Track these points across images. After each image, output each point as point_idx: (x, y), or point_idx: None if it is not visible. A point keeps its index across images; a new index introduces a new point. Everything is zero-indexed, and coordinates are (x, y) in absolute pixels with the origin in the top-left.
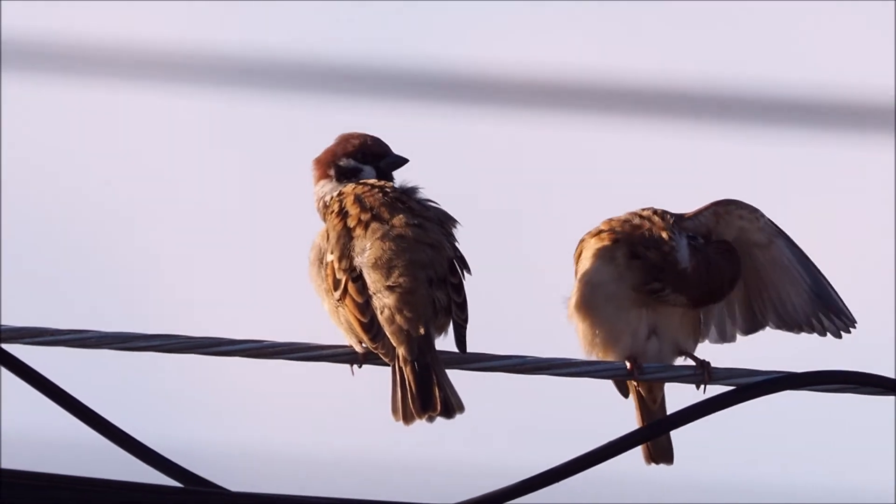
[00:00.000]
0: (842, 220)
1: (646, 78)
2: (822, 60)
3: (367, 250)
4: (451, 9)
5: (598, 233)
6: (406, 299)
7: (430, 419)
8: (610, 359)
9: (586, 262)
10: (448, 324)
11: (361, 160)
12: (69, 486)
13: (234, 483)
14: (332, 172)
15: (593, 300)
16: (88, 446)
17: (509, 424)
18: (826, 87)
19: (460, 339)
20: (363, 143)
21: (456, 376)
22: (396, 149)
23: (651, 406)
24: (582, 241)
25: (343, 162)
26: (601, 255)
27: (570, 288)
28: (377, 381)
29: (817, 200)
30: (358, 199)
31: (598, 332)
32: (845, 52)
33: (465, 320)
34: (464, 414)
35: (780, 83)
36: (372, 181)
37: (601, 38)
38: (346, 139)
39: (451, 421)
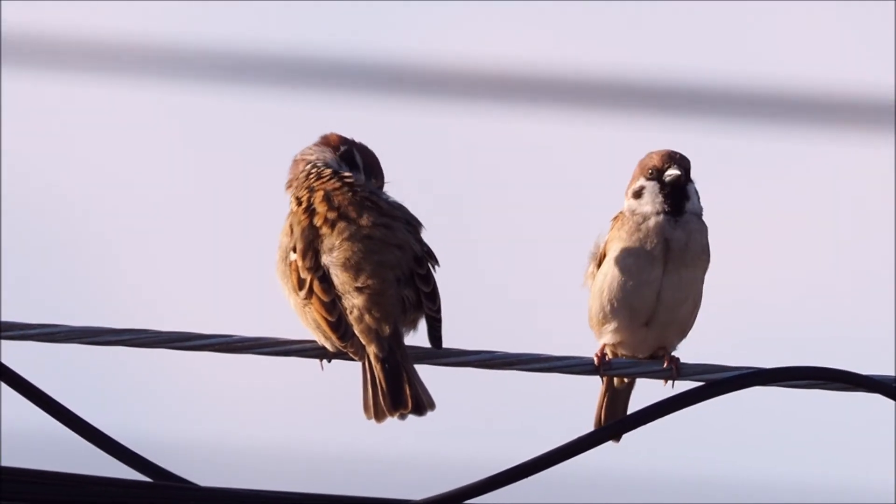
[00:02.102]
0: (816, 215)
1: (608, 70)
2: (789, 54)
3: (334, 250)
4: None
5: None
6: (375, 300)
7: (402, 417)
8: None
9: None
10: (418, 319)
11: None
12: (35, 481)
13: (203, 478)
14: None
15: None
16: (56, 441)
17: (478, 420)
18: (796, 80)
19: (434, 335)
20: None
21: (424, 372)
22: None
23: (617, 385)
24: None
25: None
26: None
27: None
28: (346, 376)
29: (771, 194)
30: (327, 197)
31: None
32: (816, 45)
33: (438, 311)
34: (434, 411)
35: (738, 75)
36: (346, 176)
37: (561, 29)
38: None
39: (423, 418)
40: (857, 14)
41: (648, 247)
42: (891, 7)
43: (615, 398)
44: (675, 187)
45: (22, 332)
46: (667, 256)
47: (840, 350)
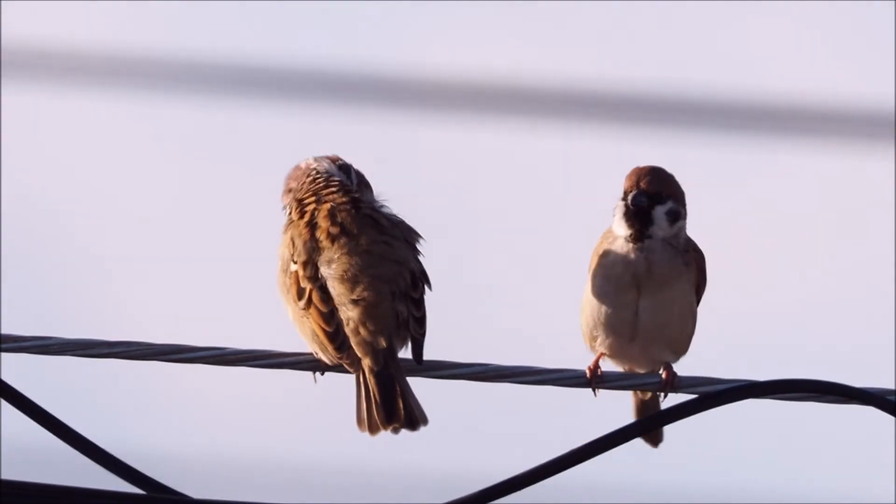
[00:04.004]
0: (809, 226)
1: (583, 81)
2: (779, 64)
3: (333, 263)
4: (390, 12)
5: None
6: (370, 312)
7: (395, 431)
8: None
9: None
10: (408, 336)
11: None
12: (27, 493)
13: (196, 490)
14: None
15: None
16: (48, 452)
17: (471, 433)
18: (787, 92)
19: (417, 353)
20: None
21: (416, 384)
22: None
23: (642, 396)
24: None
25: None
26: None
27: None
28: (340, 388)
29: (763, 205)
30: (331, 213)
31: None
32: (790, 56)
33: (423, 335)
34: (427, 427)
35: (704, 85)
36: (352, 190)
37: (538, 41)
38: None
39: (415, 433)
40: (851, 25)
41: (616, 270)
42: (887, 14)
43: (643, 406)
44: (635, 214)
45: (16, 345)
46: (637, 279)
47: (834, 362)
